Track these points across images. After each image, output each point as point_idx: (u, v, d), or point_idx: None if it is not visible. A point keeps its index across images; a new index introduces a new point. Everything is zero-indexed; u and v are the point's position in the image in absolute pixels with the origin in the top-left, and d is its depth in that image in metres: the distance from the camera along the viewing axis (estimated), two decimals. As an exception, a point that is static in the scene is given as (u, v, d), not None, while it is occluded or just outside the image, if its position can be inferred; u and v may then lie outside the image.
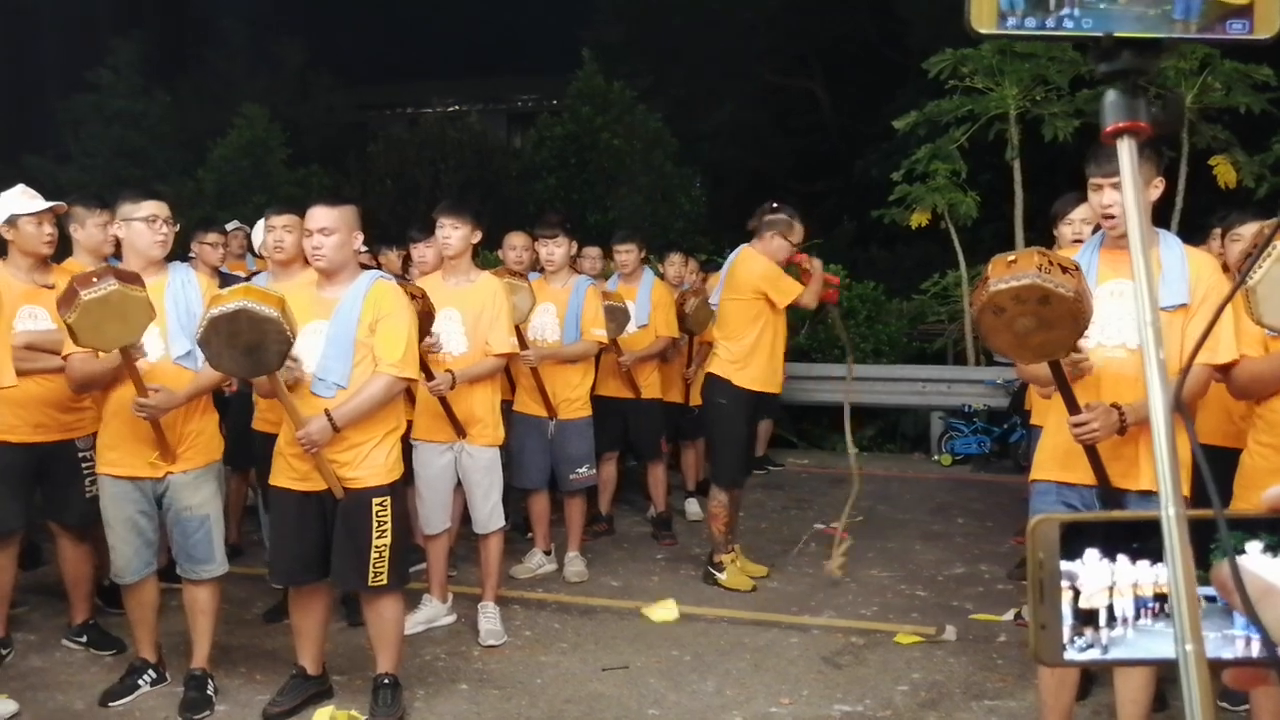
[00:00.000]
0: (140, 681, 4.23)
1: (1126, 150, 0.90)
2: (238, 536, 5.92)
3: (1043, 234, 6.35)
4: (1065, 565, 0.84)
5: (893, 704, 4.20)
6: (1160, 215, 3.03)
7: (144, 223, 4.00)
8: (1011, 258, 2.88)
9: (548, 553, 5.99)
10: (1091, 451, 3.14)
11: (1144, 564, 0.84)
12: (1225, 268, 3.97)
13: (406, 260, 6.35)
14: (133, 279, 3.72)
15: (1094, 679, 4.07)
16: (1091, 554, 0.84)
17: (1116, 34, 0.90)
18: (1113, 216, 3.21)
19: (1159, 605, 0.84)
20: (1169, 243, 3.29)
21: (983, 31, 0.90)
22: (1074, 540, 0.85)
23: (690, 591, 5.59)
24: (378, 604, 4.01)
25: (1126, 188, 0.89)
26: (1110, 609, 0.84)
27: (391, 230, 8.43)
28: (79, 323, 3.60)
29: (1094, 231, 3.67)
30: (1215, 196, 9.08)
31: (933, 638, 4.84)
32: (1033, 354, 2.96)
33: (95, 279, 3.61)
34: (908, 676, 4.44)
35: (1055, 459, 3.33)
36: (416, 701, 4.21)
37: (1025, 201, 10.47)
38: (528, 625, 5.10)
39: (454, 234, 4.84)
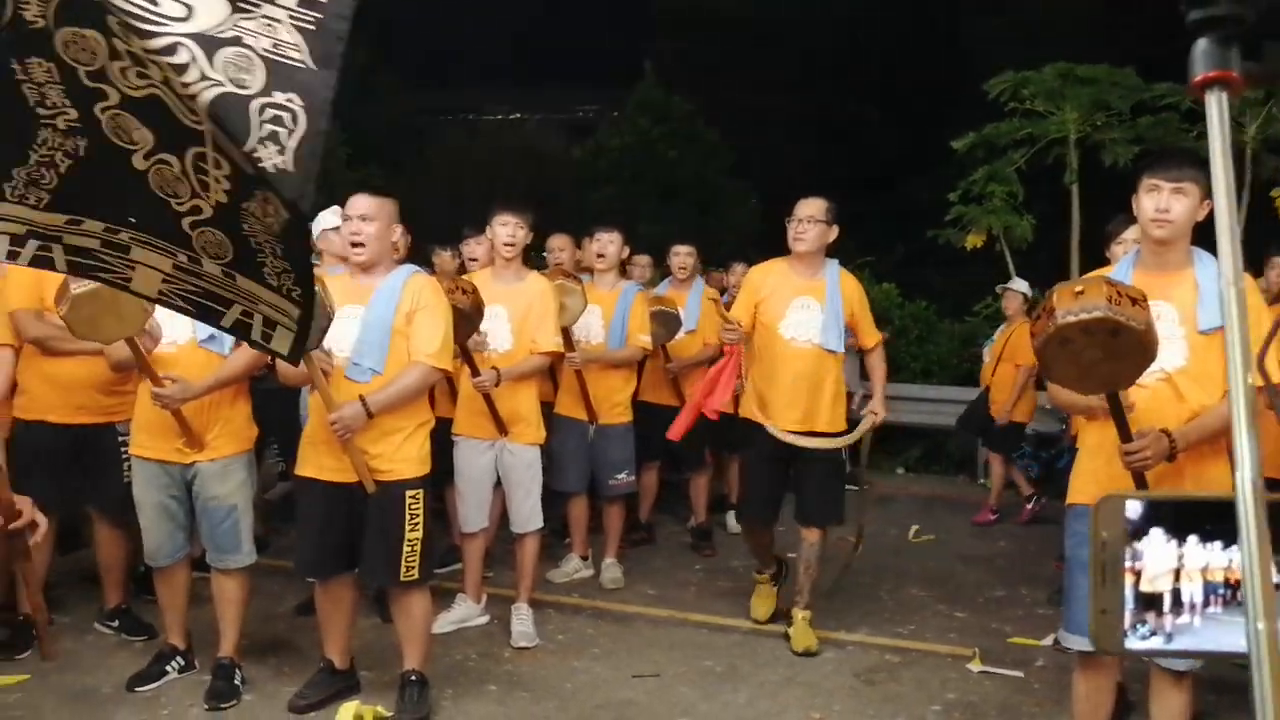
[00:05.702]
0: (168, 668, 4.26)
1: (1215, 103, 0.83)
2: (265, 529, 5.85)
3: (1096, 259, 6.23)
4: (1129, 544, 0.79)
5: (925, 724, 4.14)
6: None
7: None
8: (1079, 287, 2.77)
9: (585, 558, 5.97)
10: (1139, 477, 3.07)
11: (1216, 546, 0.79)
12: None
13: (462, 263, 6.36)
14: None
15: (1131, 708, 3.98)
16: (1157, 533, 0.79)
17: None
18: (1166, 222, 3.14)
19: (1231, 593, 0.78)
20: (1205, 264, 3.20)
21: None
22: (1140, 518, 0.79)
23: (725, 604, 5.54)
24: (407, 600, 4.01)
25: (1214, 142, 0.82)
26: (1176, 594, 0.79)
27: (444, 232, 8.45)
28: (71, 316, 3.59)
29: None
30: (1278, 228, 8.87)
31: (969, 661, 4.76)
32: (1097, 385, 2.88)
33: None
34: (942, 696, 4.37)
35: (1096, 482, 3.25)
36: (445, 701, 4.20)
37: (1081, 226, 10.33)
38: (561, 629, 5.09)
39: (519, 232, 4.85)
